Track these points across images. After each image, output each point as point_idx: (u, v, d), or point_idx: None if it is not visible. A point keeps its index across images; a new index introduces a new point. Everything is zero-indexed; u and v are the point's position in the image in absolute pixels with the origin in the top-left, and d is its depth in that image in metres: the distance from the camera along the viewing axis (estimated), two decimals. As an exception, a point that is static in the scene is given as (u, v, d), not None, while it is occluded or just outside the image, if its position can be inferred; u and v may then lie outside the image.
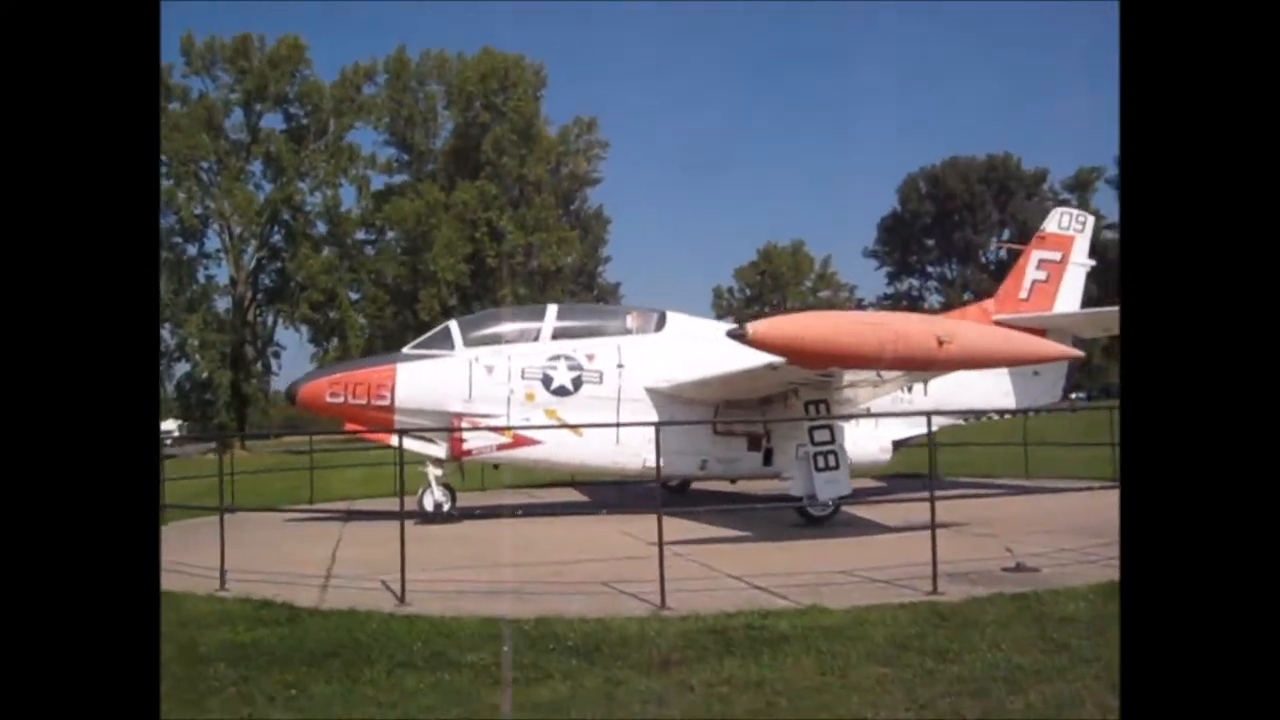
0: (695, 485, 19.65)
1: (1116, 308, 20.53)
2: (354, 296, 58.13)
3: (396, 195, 55.64)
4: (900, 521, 13.39)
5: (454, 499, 16.66)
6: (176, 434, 56.62)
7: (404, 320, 55.91)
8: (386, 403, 15.93)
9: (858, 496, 15.73)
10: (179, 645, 7.55)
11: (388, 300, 55.51)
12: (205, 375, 55.59)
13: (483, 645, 7.28)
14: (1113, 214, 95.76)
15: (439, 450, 16.25)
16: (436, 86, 58.22)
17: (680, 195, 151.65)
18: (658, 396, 16.35)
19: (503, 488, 20.73)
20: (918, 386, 17.76)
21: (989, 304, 20.45)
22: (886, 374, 13.04)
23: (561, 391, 16.12)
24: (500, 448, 15.90)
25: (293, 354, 79.85)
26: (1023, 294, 20.08)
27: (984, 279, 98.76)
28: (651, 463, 16.07)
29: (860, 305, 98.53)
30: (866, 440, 16.86)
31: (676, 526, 13.95)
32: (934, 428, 19.56)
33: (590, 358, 16.35)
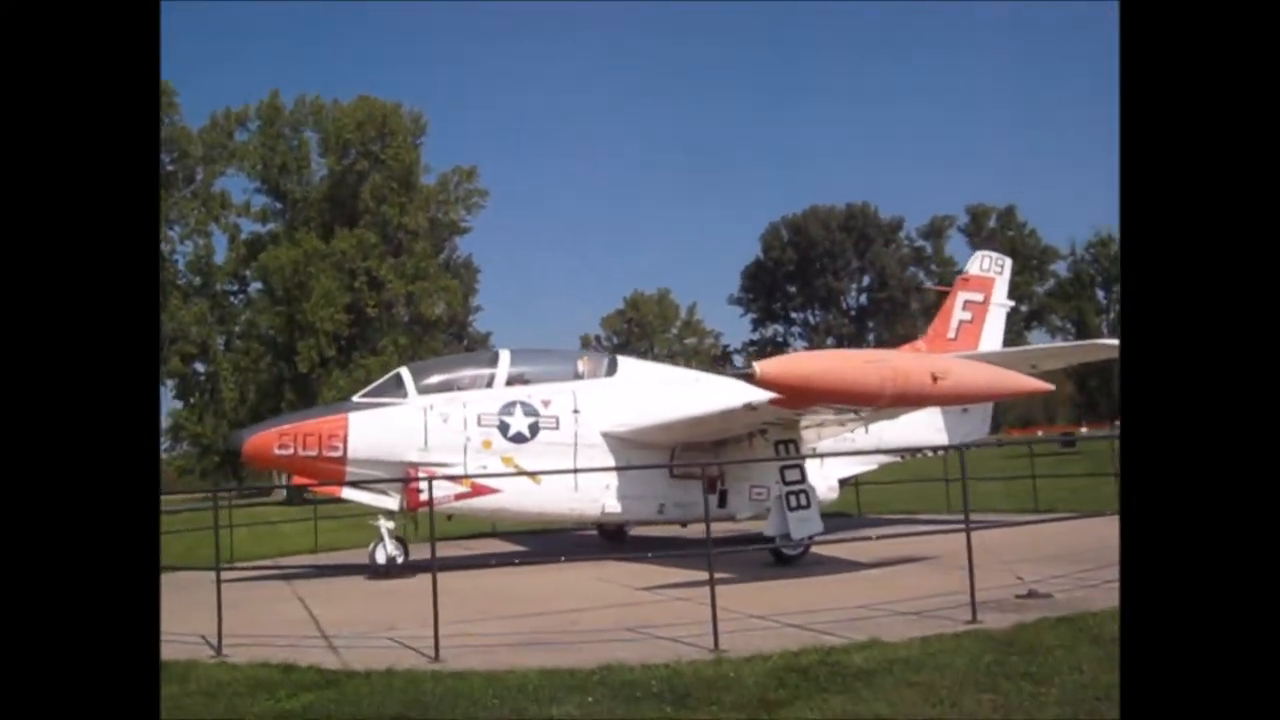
0: (634, 530, 19.53)
1: (1041, 345, 21.84)
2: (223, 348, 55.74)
3: (271, 244, 53.74)
4: (870, 558, 13.67)
5: (407, 552, 16.07)
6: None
7: (279, 372, 53.92)
8: (339, 454, 15.37)
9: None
10: (228, 715, 7.07)
11: (263, 352, 53.37)
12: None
13: (561, 698, 7.04)
14: (963, 260, 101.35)
15: (391, 502, 15.73)
16: (311, 133, 56.88)
17: (545, 244, 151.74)
18: (614, 441, 16.30)
19: (422, 540, 20.09)
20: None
21: (921, 344, 21.19)
22: (864, 412, 13.34)
23: (519, 439, 15.87)
24: (458, 497, 15.46)
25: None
26: (950, 334, 20.91)
27: (845, 324, 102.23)
28: (611, 508, 16.21)
29: (726, 351, 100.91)
30: (815, 479, 17.13)
31: (638, 571, 13.95)
32: (874, 465, 20.26)
33: (546, 403, 16.18)
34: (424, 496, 15.25)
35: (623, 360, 17.96)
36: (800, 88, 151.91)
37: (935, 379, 11.14)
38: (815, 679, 7.09)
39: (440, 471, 15.17)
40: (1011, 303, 21.81)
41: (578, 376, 17.06)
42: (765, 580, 12.89)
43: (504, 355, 17.08)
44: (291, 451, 15.33)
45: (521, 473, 15.30)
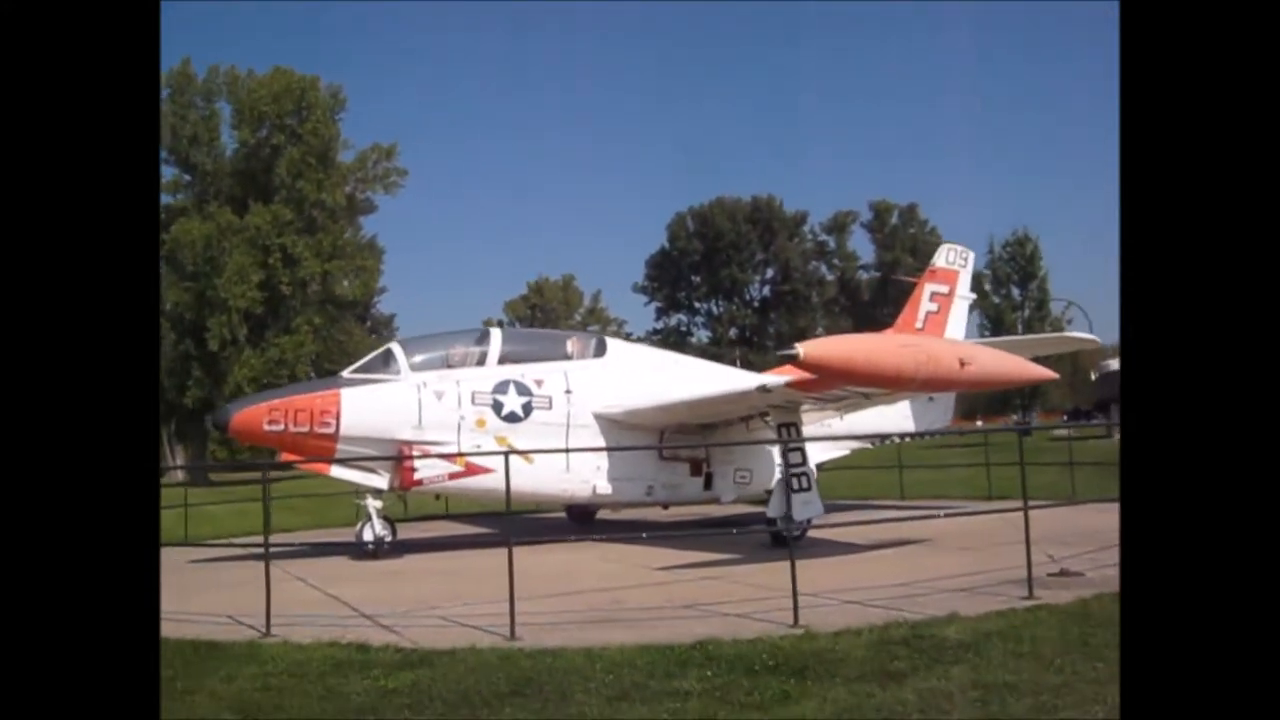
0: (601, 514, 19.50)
1: (1019, 337, 22.65)
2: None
3: (181, 217, 51.52)
4: (867, 540, 14.03)
5: (394, 532, 15.76)
6: None
7: (186, 350, 51.86)
8: (331, 430, 15.00)
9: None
10: (331, 695, 6.87)
11: (168, 328, 51.16)
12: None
13: (675, 672, 7.07)
14: (866, 255, 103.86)
15: (380, 481, 15.42)
16: (224, 104, 54.69)
17: (448, 226, 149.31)
18: (604, 422, 16.31)
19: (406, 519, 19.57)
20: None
21: (890, 334, 21.57)
22: (881, 395, 13.67)
23: (512, 418, 15.74)
24: (452, 476, 15.23)
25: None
26: (919, 324, 21.44)
27: (749, 315, 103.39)
28: (602, 489, 16.18)
29: (628, 339, 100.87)
30: None
31: (632, 553, 13.98)
32: (846, 451, 20.73)
33: (539, 383, 16.08)
34: (419, 475, 15.11)
35: (611, 341, 17.94)
36: (707, 79, 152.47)
37: (962, 364, 11.50)
38: (922, 651, 7.28)
39: (434, 450, 15.00)
40: (974, 295, 22.55)
41: (568, 356, 17.00)
42: (777, 562, 13.08)
43: (495, 333, 16.95)
44: (282, 427, 14.90)
45: (513, 451, 14.99)
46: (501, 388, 15.80)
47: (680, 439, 16.52)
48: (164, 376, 50.49)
